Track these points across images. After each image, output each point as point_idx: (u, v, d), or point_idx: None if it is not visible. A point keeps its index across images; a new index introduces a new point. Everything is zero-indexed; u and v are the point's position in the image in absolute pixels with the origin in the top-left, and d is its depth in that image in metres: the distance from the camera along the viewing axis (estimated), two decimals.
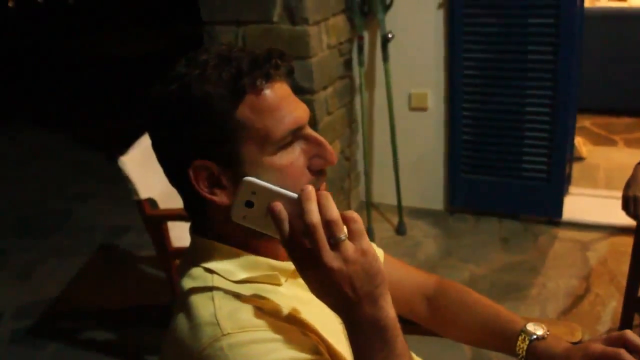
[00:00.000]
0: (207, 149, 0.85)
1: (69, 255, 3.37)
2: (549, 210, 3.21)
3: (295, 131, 0.87)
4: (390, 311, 0.79)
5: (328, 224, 0.75)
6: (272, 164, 0.85)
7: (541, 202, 3.20)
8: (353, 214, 0.77)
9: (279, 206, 0.78)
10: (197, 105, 0.83)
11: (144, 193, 2.01)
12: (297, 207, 0.77)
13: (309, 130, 0.90)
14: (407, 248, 3.19)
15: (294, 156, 0.87)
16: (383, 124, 3.33)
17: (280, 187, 0.81)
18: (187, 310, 0.86)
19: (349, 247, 0.76)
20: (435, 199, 3.48)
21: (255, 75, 0.84)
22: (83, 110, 6.08)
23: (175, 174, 0.90)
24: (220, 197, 0.86)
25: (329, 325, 0.90)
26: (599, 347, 0.98)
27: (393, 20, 3.12)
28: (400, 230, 3.33)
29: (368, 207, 3.35)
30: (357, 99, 3.38)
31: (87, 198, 4.12)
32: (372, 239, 3.22)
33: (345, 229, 0.77)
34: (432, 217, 3.43)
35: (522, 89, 3.05)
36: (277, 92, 0.86)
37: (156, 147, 0.91)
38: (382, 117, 3.32)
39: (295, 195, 0.79)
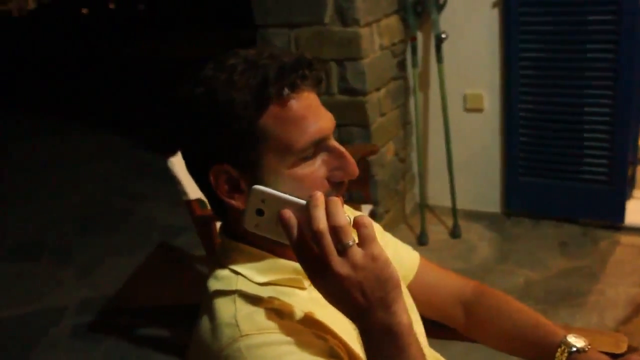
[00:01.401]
0: (228, 154, 0.86)
1: (128, 253, 3.48)
2: (610, 214, 3.08)
3: (318, 142, 0.86)
4: (403, 317, 0.77)
5: (335, 230, 0.74)
6: (291, 174, 0.85)
7: (602, 205, 3.08)
8: (363, 219, 0.76)
9: (287, 213, 0.77)
10: (221, 110, 0.84)
11: (192, 194, 2.05)
12: (307, 214, 0.76)
13: (332, 142, 0.89)
14: (461, 251, 3.13)
15: (314, 167, 0.87)
16: (438, 125, 3.29)
17: (292, 195, 0.80)
18: (210, 311, 0.87)
19: (357, 253, 0.75)
20: (491, 202, 3.41)
21: (282, 85, 0.84)
22: (145, 111, 6.25)
23: (197, 176, 0.92)
24: (238, 202, 0.87)
25: (350, 329, 0.90)
26: (636, 359, 0.94)
27: (447, 20, 3.08)
28: (455, 233, 3.27)
29: (422, 209, 3.31)
30: (412, 101, 3.34)
31: (147, 198, 4.24)
32: (425, 241, 3.20)
33: (354, 235, 0.76)
34: (487, 220, 3.36)
35: (581, 89, 2.94)
36: (303, 103, 0.86)
37: (181, 147, 0.93)
38: (437, 118, 3.28)
39: (303, 202, 0.78)
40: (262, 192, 0.80)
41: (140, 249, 3.50)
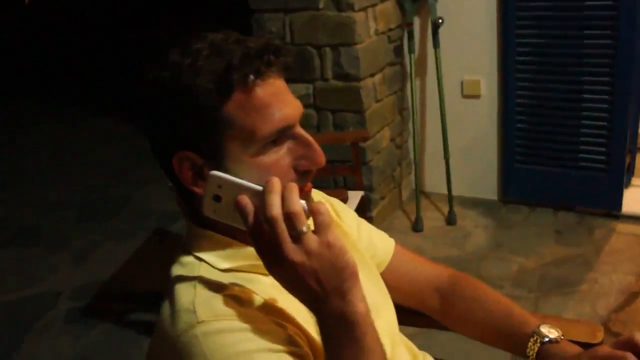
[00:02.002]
0: (191, 141, 0.85)
1: (124, 239, 3.48)
2: (607, 202, 3.06)
3: (283, 130, 0.85)
4: (359, 306, 0.76)
5: (289, 217, 0.73)
6: (255, 162, 0.84)
7: (599, 193, 3.06)
8: (319, 206, 0.75)
9: (244, 199, 0.76)
10: (184, 97, 0.83)
11: None
12: (263, 200, 0.75)
13: (299, 130, 0.87)
14: (456, 238, 3.12)
15: (278, 155, 0.85)
16: (435, 112, 3.26)
17: (250, 181, 0.79)
18: (171, 297, 0.87)
19: (311, 240, 0.74)
20: (488, 189, 3.39)
21: (246, 71, 0.82)
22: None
23: (162, 162, 0.91)
24: (201, 189, 0.86)
25: (309, 317, 0.89)
26: (606, 349, 0.93)
27: (444, 5, 3.05)
28: (450, 220, 3.26)
29: (418, 195, 3.30)
30: (409, 86, 3.32)
31: (146, 184, 4.23)
32: (420, 228, 3.19)
33: (308, 221, 0.75)
34: (483, 207, 3.35)
35: (579, 75, 2.91)
36: (268, 89, 0.84)
37: (144, 131, 0.91)
38: (434, 104, 3.26)
39: (260, 188, 0.77)
40: (219, 178, 0.79)
41: (137, 235, 3.50)
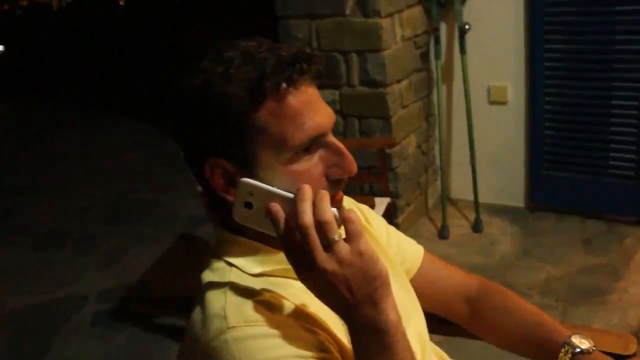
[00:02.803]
0: (223, 148, 0.85)
1: (151, 243, 3.52)
2: (636, 210, 3.01)
3: (315, 138, 0.85)
4: (391, 314, 0.76)
5: (320, 225, 0.73)
6: (287, 170, 0.84)
7: (628, 201, 3.01)
8: (350, 214, 0.75)
9: (275, 206, 0.77)
10: (216, 104, 0.83)
11: None
12: (294, 207, 0.75)
13: (331, 138, 0.87)
14: (482, 246, 3.09)
15: (310, 163, 0.85)
16: (461, 118, 3.24)
17: (281, 188, 0.79)
18: (202, 302, 0.87)
19: (343, 248, 0.74)
20: (515, 196, 3.36)
21: (278, 79, 0.82)
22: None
23: (194, 168, 0.91)
24: (233, 196, 0.86)
25: (340, 323, 0.89)
26: None
27: (470, 11, 3.03)
28: (476, 227, 3.23)
29: (444, 202, 3.28)
30: (435, 93, 3.30)
31: (172, 188, 4.27)
32: (447, 235, 3.17)
33: (340, 230, 0.74)
34: (510, 215, 3.31)
35: (608, 81, 2.88)
36: (300, 97, 0.84)
37: (176, 139, 0.92)
38: (461, 110, 3.24)
39: (291, 195, 0.77)
40: (250, 185, 0.80)
41: (164, 239, 3.53)
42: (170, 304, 2.95)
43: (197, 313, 0.87)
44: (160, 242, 3.50)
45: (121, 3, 14.73)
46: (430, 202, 3.53)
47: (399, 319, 0.77)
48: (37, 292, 3.14)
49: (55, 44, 11.20)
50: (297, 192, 0.76)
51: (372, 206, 2.19)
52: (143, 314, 2.91)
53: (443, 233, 3.21)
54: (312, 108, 0.85)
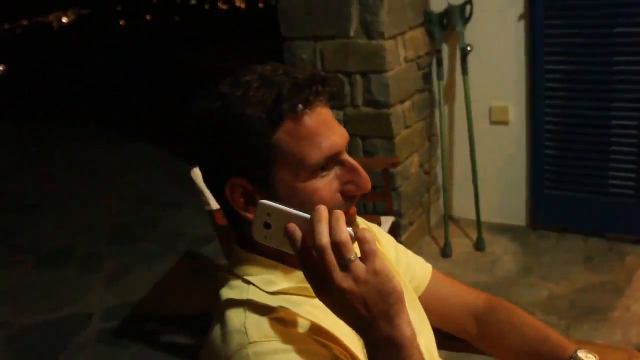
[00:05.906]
0: (243, 169, 0.89)
1: (156, 261, 3.54)
2: (638, 228, 3.04)
3: (331, 157, 0.88)
4: (406, 330, 0.79)
5: (337, 245, 0.76)
6: (305, 188, 0.87)
7: (630, 220, 3.04)
8: (365, 234, 0.78)
9: (293, 227, 0.80)
10: (236, 126, 0.87)
11: (215, 204, 2.08)
12: (311, 227, 0.79)
13: (346, 156, 0.91)
14: (485, 264, 3.12)
15: (327, 181, 0.89)
16: (463, 138, 3.28)
17: (297, 209, 0.82)
18: (222, 319, 0.90)
19: (359, 267, 0.77)
20: (517, 215, 3.39)
21: (295, 101, 0.86)
22: (177, 120, 6.35)
23: (214, 189, 0.95)
24: (253, 215, 0.90)
25: (355, 339, 0.92)
26: None
27: (472, 33, 3.08)
28: (479, 246, 3.26)
29: (446, 221, 3.31)
30: (437, 113, 3.35)
31: (177, 207, 4.30)
32: (449, 254, 3.20)
33: (356, 249, 0.78)
34: (512, 234, 3.34)
35: (609, 102, 2.92)
36: (316, 118, 0.88)
37: (198, 161, 0.96)
38: (463, 131, 3.28)
39: (308, 216, 0.80)
40: (268, 207, 0.83)
41: (168, 258, 3.56)
42: (175, 322, 2.97)
43: (216, 329, 0.90)
44: (165, 260, 3.53)
45: (121, 23, 14.88)
46: (433, 221, 3.56)
47: (414, 334, 0.80)
48: (42, 310, 3.16)
49: (56, 63, 11.28)
50: (314, 213, 0.79)
51: (379, 225, 2.22)
52: (148, 332, 2.92)
53: (446, 251, 3.24)
54: (327, 128, 0.89)
